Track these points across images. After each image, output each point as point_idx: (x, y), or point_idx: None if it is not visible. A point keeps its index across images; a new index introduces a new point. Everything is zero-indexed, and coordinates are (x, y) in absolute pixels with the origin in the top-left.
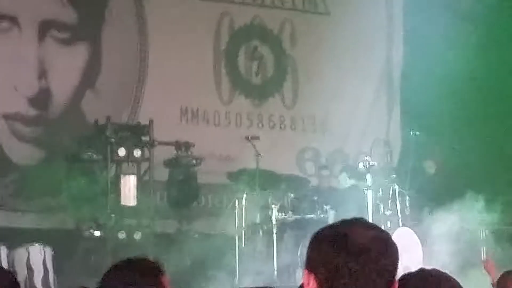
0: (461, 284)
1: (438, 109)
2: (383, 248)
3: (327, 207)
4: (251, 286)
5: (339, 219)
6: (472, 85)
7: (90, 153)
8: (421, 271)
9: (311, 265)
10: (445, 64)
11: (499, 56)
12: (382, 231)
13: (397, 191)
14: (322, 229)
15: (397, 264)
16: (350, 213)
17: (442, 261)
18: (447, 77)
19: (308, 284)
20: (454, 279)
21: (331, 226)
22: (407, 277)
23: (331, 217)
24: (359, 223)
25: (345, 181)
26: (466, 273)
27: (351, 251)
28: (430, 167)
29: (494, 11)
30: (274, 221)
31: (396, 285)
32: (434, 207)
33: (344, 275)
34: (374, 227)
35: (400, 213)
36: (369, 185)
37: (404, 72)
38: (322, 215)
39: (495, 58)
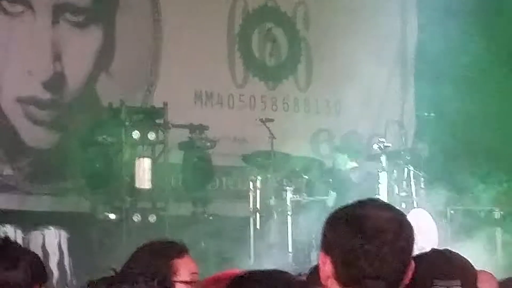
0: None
1: (453, 90)
2: (399, 229)
3: (330, 190)
4: (267, 268)
5: (344, 202)
6: (488, 67)
7: (104, 136)
8: (434, 251)
9: (326, 246)
10: (460, 46)
11: None
12: (398, 211)
13: (411, 173)
14: (338, 211)
15: (413, 245)
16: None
17: (456, 242)
18: (462, 59)
19: (324, 265)
20: (466, 259)
21: (347, 207)
22: (419, 257)
23: (331, 200)
24: (374, 204)
25: (345, 163)
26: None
27: (366, 232)
28: (448, 147)
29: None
30: (288, 203)
31: (412, 265)
32: (449, 188)
33: (359, 257)
34: (389, 208)
35: (415, 194)
36: (384, 166)
37: (418, 54)
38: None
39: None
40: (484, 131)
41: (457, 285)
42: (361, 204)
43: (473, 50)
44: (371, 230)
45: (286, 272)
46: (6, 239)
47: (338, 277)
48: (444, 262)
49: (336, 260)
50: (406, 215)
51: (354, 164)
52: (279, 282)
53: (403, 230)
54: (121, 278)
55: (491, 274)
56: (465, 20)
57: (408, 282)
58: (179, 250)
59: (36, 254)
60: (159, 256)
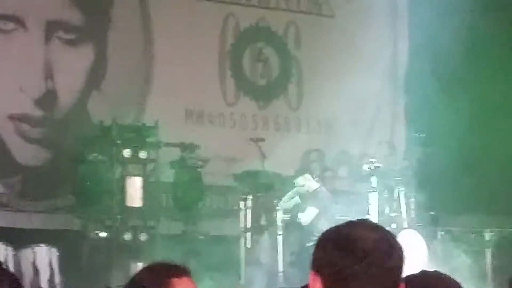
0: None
1: (443, 110)
2: (388, 249)
3: (309, 207)
4: (256, 287)
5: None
6: (478, 85)
7: (95, 154)
8: (423, 273)
9: (316, 266)
10: (451, 64)
11: (506, 53)
12: (387, 232)
13: (402, 193)
14: (328, 231)
15: (403, 265)
16: (353, 215)
17: (446, 263)
18: (453, 77)
19: (315, 285)
20: (455, 280)
21: (337, 228)
22: (409, 278)
23: (306, 218)
24: (364, 224)
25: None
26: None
27: (355, 253)
28: (439, 167)
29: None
30: (279, 223)
31: (403, 286)
32: (439, 209)
33: (349, 277)
34: (379, 228)
35: (405, 215)
36: (374, 187)
37: (408, 74)
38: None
39: (503, 55)
40: (476, 150)
41: None
42: (350, 224)
43: (465, 68)
44: (360, 251)
45: None
46: None
47: None
48: (434, 284)
49: (325, 280)
50: (395, 236)
51: (315, 186)
52: None
53: (392, 251)
54: None
55: None
56: (457, 38)
57: None
58: (179, 270)
59: (13, 273)
60: (157, 275)
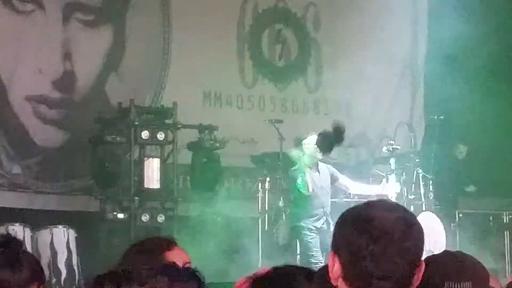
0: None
1: (462, 93)
2: (406, 229)
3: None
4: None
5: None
6: (496, 68)
7: (113, 136)
8: (445, 253)
9: (335, 246)
10: (471, 48)
11: None
12: (406, 212)
13: (420, 176)
14: (347, 211)
15: (422, 246)
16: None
17: (465, 245)
18: (472, 61)
19: (333, 265)
20: (477, 260)
21: (355, 208)
22: (431, 258)
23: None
24: (383, 204)
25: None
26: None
27: (373, 233)
28: (460, 151)
29: None
30: None
31: (422, 266)
32: (458, 191)
33: (366, 257)
34: (398, 209)
35: (424, 197)
36: (393, 169)
37: (428, 56)
38: (345, 199)
39: None
40: (494, 133)
41: (468, 287)
42: (369, 204)
43: (484, 52)
44: (378, 231)
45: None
46: (8, 236)
47: (346, 277)
48: (455, 264)
49: (344, 260)
50: (415, 216)
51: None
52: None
53: (410, 231)
54: (129, 275)
55: (496, 278)
56: (477, 22)
57: (419, 283)
58: (168, 243)
59: (33, 255)
60: (149, 253)
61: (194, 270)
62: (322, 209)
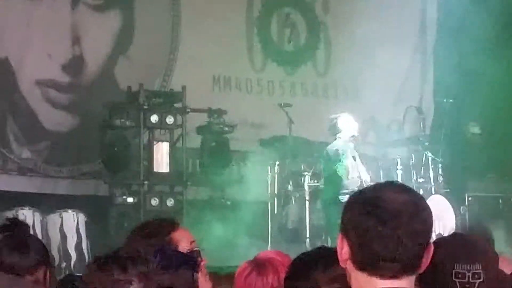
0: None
1: (472, 77)
2: (415, 211)
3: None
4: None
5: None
6: (508, 51)
7: (123, 120)
8: (455, 235)
9: (343, 229)
10: (482, 33)
11: None
12: (415, 194)
13: (430, 159)
14: (355, 193)
15: (431, 227)
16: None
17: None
18: (482, 45)
19: (342, 247)
20: (487, 242)
21: (364, 190)
22: (440, 241)
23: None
24: (391, 186)
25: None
26: (499, 241)
27: (381, 214)
28: (473, 131)
29: None
30: (306, 188)
31: (431, 249)
32: (467, 175)
33: (374, 239)
34: (407, 191)
35: (433, 180)
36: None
37: (437, 40)
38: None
39: None
40: (503, 117)
41: (478, 269)
42: (378, 186)
43: (495, 38)
44: (386, 212)
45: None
46: (15, 220)
47: (355, 259)
48: (465, 246)
49: (352, 243)
50: (423, 198)
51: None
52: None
53: (419, 213)
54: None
55: (509, 258)
56: (487, 7)
57: (428, 265)
58: (171, 223)
59: (40, 239)
60: (154, 235)
61: (191, 255)
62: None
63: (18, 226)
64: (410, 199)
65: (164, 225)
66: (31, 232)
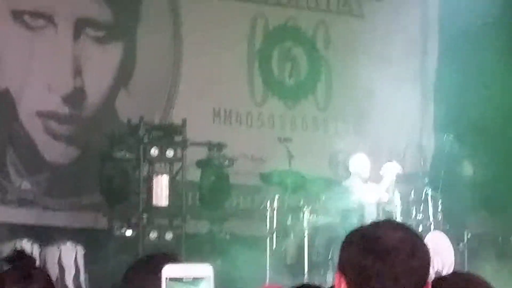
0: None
1: (473, 112)
2: (412, 249)
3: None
4: None
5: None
6: (510, 88)
7: (123, 152)
8: (454, 274)
9: (341, 266)
10: (481, 67)
11: None
12: (412, 231)
13: (429, 196)
14: (352, 231)
15: (428, 266)
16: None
17: (473, 266)
18: (483, 80)
19: (340, 285)
20: (486, 281)
21: (361, 227)
22: (440, 279)
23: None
24: (388, 223)
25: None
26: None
27: (378, 252)
28: (468, 170)
29: None
30: (305, 224)
31: (429, 287)
32: (468, 212)
33: (371, 277)
34: (404, 228)
35: (432, 217)
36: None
37: (438, 76)
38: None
39: None
40: (505, 154)
41: None
42: (375, 224)
43: (495, 72)
44: (383, 250)
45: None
46: (22, 252)
47: None
48: (464, 285)
49: (350, 280)
50: (421, 236)
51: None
52: None
53: (416, 251)
54: None
55: None
56: (486, 41)
57: None
58: (173, 259)
59: (46, 271)
60: (153, 271)
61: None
62: None
63: (24, 257)
64: (407, 237)
65: (165, 260)
66: None
